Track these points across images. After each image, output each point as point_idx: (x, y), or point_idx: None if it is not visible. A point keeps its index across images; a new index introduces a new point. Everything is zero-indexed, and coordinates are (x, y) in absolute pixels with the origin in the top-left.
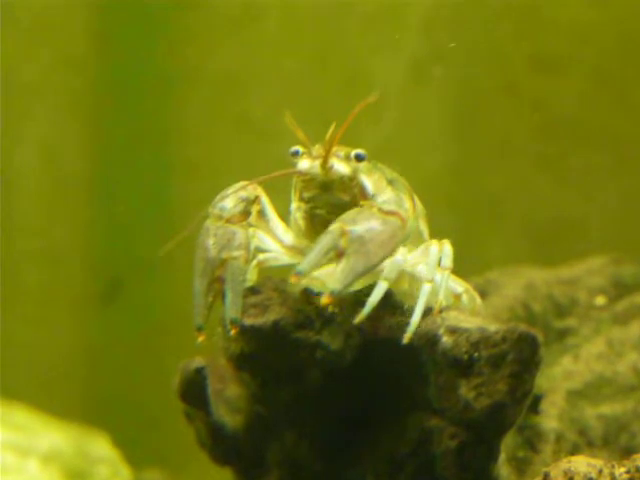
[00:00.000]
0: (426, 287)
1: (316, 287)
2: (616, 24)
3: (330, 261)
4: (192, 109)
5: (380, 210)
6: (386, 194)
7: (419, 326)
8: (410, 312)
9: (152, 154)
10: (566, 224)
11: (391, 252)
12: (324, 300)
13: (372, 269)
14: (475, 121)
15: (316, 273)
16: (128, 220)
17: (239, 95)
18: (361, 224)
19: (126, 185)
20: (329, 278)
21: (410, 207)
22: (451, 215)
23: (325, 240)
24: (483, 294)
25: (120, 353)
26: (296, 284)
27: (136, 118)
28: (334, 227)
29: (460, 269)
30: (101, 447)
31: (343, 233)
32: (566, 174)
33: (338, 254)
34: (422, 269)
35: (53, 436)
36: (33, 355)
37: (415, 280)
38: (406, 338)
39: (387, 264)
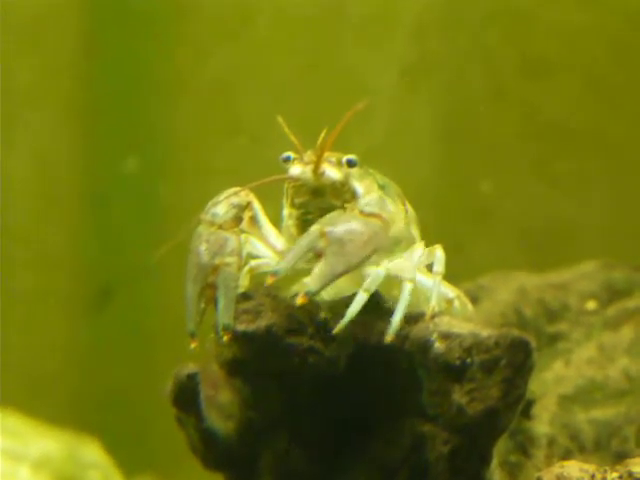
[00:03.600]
0: (407, 286)
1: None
2: (605, 28)
3: (309, 262)
4: (183, 114)
5: (362, 212)
6: (370, 197)
7: (411, 331)
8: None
9: (143, 160)
10: (557, 229)
11: (371, 253)
12: (299, 300)
13: (351, 270)
14: (465, 126)
15: (306, 280)
16: (119, 226)
17: (230, 101)
18: (341, 225)
19: (117, 191)
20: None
21: (401, 212)
22: (441, 220)
23: (304, 241)
24: (474, 299)
25: (111, 359)
26: (269, 283)
27: (127, 124)
28: (314, 228)
29: (451, 274)
30: (92, 452)
31: (322, 234)
32: (556, 179)
33: (317, 255)
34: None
35: (44, 442)
36: (25, 361)
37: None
38: (388, 338)
39: (369, 275)
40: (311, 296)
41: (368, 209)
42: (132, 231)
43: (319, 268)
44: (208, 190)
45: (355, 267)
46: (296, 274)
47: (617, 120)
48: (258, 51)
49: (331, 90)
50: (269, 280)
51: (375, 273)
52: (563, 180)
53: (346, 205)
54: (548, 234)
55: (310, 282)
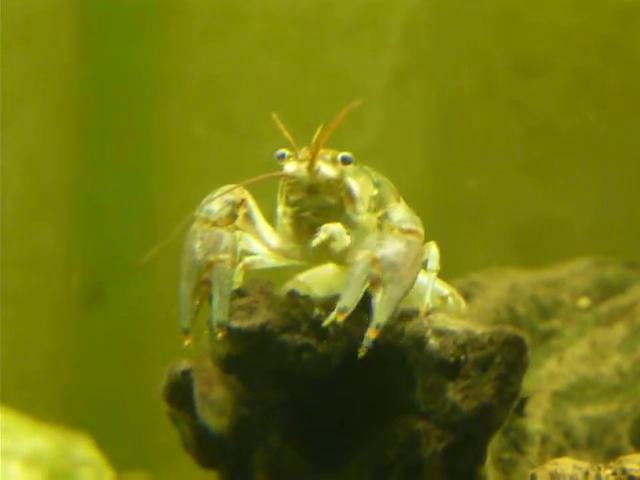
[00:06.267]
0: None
1: (303, 290)
2: (597, 28)
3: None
4: (175, 114)
5: (400, 230)
6: (399, 210)
7: (405, 328)
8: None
9: (135, 159)
10: (548, 226)
11: (419, 271)
12: (372, 334)
13: (408, 292)
14: (457, 125)
15: (300, 277)
16: (110, 226)
17: (221, 100)
18: (389, 249)
19: (108, 190)
20: (317, 285)
21: None
22: (434, 218)
23: (358, 271)
24: (467, 296)
25: (103, 356)
26: (340, 320)
27: (118, 124)
28: (364, 255)
29: (443, 271)
30: (84, 449)
31: (375, 261)
32: (549, 177)
33: (373, 283)
34: None
35: (36, 439)
36: (15, 360)
37: None
38: (371, 334)
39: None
40: (381, 328)
41: (405, 226)
42: (123, 230)
43: (381, 299)
44: (199, 189)
45: (410, 288)
46: (290, 271)
47: (607, 119)
48: (248, 50)
49: (322, 90)
50: (340, 318)
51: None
52: (554, 178)
53: (382, 222)
54: (539, 232)
55: (377, 315)
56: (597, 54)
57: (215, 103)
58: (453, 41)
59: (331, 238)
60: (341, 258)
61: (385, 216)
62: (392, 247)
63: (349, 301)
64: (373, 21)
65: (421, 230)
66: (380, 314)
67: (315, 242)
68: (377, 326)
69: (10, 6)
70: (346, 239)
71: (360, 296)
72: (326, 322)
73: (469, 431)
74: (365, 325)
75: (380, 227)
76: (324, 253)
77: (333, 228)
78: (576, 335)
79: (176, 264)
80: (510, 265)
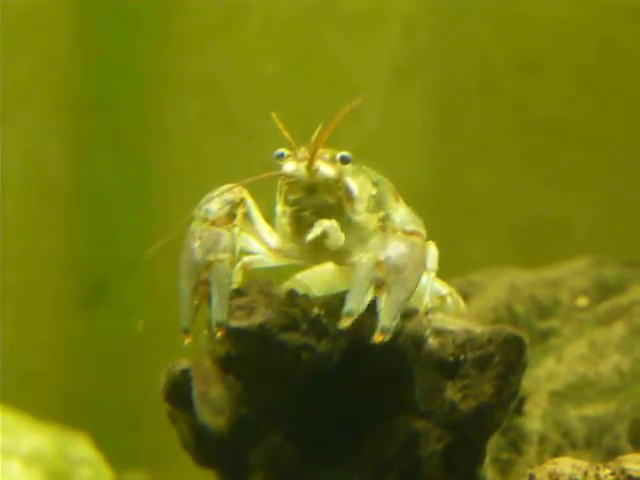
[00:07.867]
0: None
1: (301, 289)
2: (597, 25)
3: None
4: (175, 112)
5: (404, 232)
6: (400, 212)
7: (405, 327)
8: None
9: (135, 157)
10: (549, 224)
11: (422, 272)
12: (378, 338)
13: (412, 294)
14: (457, 122)
15: (299, 276)
16: (111, 223)
17: (222, 97)
18: (392, 251)
19: (109, 188)
20: (316, 284)
21: None
22: (433, 216)
23: (362, 274)
24: (466, 296)
25: (102, 355)
26: (346, 325)
27: (119, 121)
28: (368, 258)
29: (442, 270)
30: (83, 448)
31: (378, 263)
32: (549, 174)
33: (378, 285)
34: None
35: (35, 437)
36: (16, 357)
37: None
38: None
39: None
40: (388, 332)
41: (408, 227)
42: (124, 228)
43: (386, 302)
44: (200, 187)
45: (414, 290)
46: (289, 270)
47: (607, 116)
48: (248, 48)
49: (322, 87)
50: (345, 322)
51: None
52: (554, 176)
53: (383, 224)
54: (539, 230)
55: (382, 318)
56: (597, 52)
57: (215, 101)
58: (453, 38)
59: (324, 234)
60: (339, 257)
61: (387, 218)
62: (396, 249)
63: (354, 305)
64: (373, 19)
65: (423, 231)
66: (385, 317)
67: (310, 236)
68: (383, 330)
69: (10, 4)
70: (340, 236)
71: (366, 299)
72: (340, 327)
73: (468, 431)
74: (364, 322)
75: (382, 229)
76: (322, 252)
77: (327, 224)
78: (575, 334)
79: (176, 263)
80: (509, 264)
